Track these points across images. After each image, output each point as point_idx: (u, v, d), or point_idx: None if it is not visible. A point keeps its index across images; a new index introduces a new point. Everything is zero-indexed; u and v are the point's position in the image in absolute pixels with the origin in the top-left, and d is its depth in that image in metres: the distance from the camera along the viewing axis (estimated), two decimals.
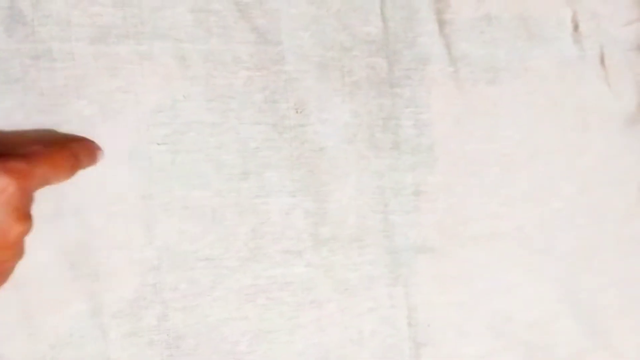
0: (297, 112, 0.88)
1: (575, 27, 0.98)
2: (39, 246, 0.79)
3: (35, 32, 0.79)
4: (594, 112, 0.99)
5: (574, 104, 0.99)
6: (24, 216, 0.71)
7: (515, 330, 0.96)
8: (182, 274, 0.84)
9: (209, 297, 0.85)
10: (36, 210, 0.80)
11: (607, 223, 1.01)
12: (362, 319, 0.91)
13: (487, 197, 0.97)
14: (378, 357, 0.92)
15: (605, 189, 1.01)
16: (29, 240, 0.79)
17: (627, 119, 1.00)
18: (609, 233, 1.01)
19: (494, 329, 0.96)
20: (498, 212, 0.97)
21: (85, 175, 0.81)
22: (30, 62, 0.79)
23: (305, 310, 0.89)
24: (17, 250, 0.73)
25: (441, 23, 0.94)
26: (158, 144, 0.84)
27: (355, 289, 0.91)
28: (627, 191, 1.01)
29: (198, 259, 0.85)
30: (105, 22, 0.82)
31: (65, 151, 0.77)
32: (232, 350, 0.86)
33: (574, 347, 0.99)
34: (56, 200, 0.80)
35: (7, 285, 0.78)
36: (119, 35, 0.82)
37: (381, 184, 0.89)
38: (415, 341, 0.93)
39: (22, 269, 0.79)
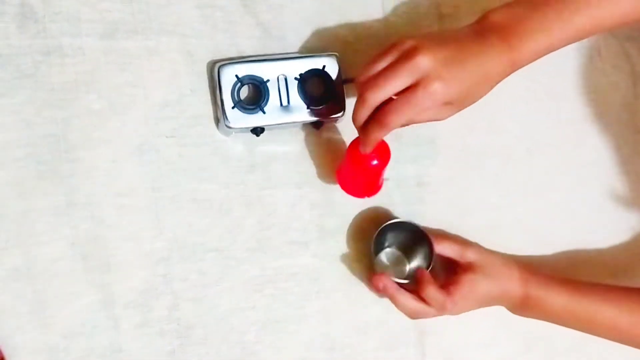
0: None
1: None
2: (51, 238, 0.80)
3: (47, 28, 0.81)
4: (592, 103, 1.00)
5: (572, 96, 1.00)
6: None
7: (515, 320, 0.97)
8: (192, 265, 0.85)
9: (218, 288, 0.86)
10: (47, 202, 0.82)
11: (605, 214, 1.02)
12: (368, 309, 0.92)
13: (488, 189, 0.98)
14: (383, 346, 0.93)
15: (603, 180, 1.02)
16: (41, 233, 0.80)
17: (625, 110, 1.01)
18: (607, 224, 1.02)
19: (495, 319, 0.97)
20: (498, 204, 0.98)
21: (96, 169, 0.82)
22: (42, 58, 0.81)
23: (311, 300, 0.90)
24: None
25: (441, 17, 0.95)
26: (166, 137, 0.85)
27: (361, 279, 0.92)
28: (626, 181, 1.02)
29: (206, 250, 0.86)
30: (114, 18, 0.83)
31: None
32: (241, 340, 0.87)
33: (572, 337, 0.99)
34: (67, 193, 0.81)
35: (20, 277, 0.80)
36: (128, 30, 0.84)
37: (385, 176, 0.90)
38: (419, 330, 0.94)
39: (34, 261, 0.81)
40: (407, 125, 0.77)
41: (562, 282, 0.91)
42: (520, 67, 0.78)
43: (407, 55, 0.74)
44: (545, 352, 1.00)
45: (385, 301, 0.92)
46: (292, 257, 0.89)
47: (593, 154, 1.01)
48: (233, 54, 0.87)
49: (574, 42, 0.78)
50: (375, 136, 0.77)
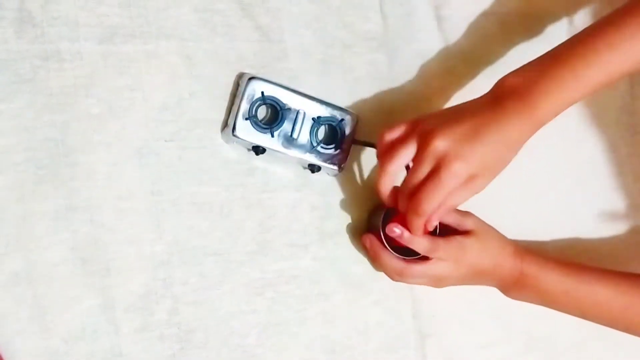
0: None
1: (570, 22, 1.00)
2: (51, 243, 0.80)
3: (45, 33, 0.81)
4: (591, 104, 1.01)
5: None
6: None
7: (516, 320, 0.97)
8: (192, 269, 0.85)
9: (219, 291, 0.86)
10: (47, 207, 0.82)
11: (605, 214, 1.02)
12: (368, 311, 0.92)
13: (488, 189, 0.98)
14: (384, 348, 0.93)
15: (602, 181, 1.02)
16: (41, 237, 0.80)
17: (623, 111, 1.02)
18: (607, 224, 1.03)
19: (495, 319, 0.97)
20: (498, 204, 0.98)
21: (95, 172, 0.82)
22: (40, 62, 0.80)
23: (312, 302, 0.90)
24: None
25: (439, 19, 0.95)
26: (166, 141, 0.85)
27: (361, 281, 0.92)
28: (625, 182, 1.02)
29: (207, 254, 0.86)
30: (112, 23, 0.83)
31: None
32: (242, 343, 0.87)
33: (572, 337, 1.00)
34: (67, 197, 0.81)
35: (20, 281, 0.80)
36: (126, 35, 0.84)
37: None
38: (420, 332, 0.94)
39: (34, 265, 0.81)
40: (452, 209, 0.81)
41: (558, 262, 0.91)
42: (543, 125, 0.78)
43: (424, 142, 0.76)
44: (545, 352, 1.00)
45: (386, 303, 0.93)
46: (292, 259, 0.89)
47: (592, 155, 1.01)
48: (232, 57, 0.88)
49: (592, 94, 0.78)
50: (416, 223, 0.79)
